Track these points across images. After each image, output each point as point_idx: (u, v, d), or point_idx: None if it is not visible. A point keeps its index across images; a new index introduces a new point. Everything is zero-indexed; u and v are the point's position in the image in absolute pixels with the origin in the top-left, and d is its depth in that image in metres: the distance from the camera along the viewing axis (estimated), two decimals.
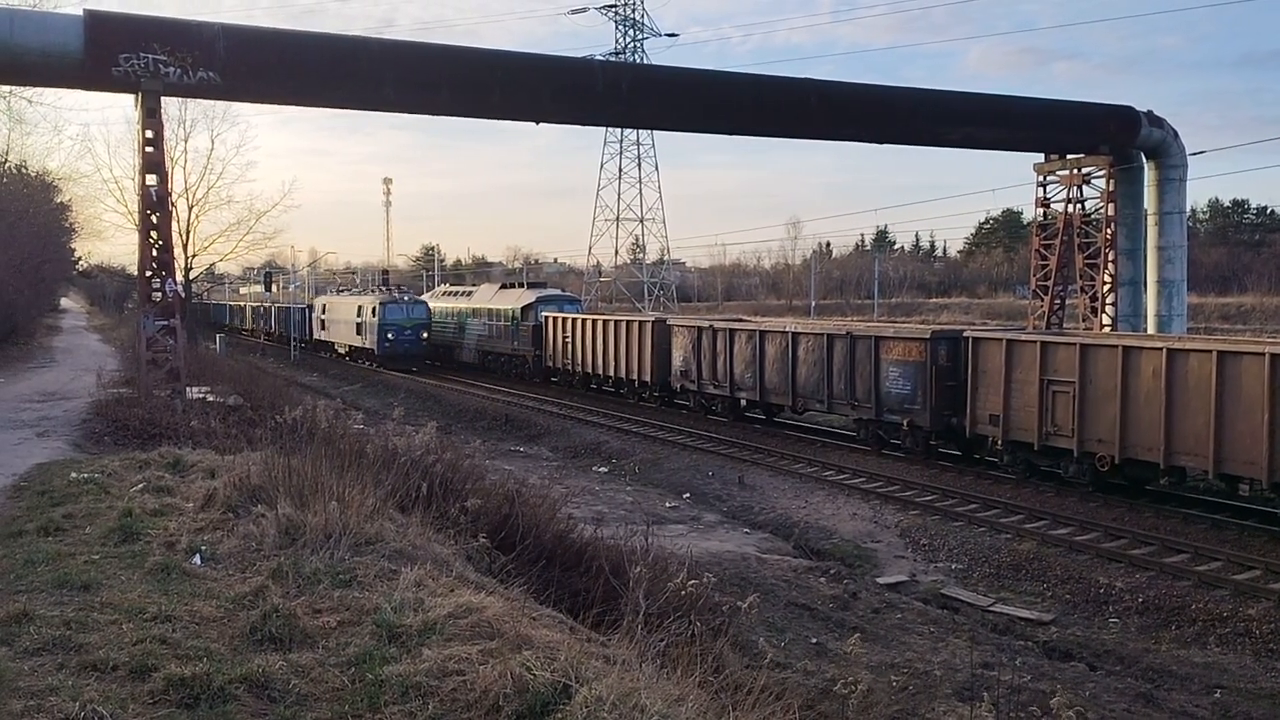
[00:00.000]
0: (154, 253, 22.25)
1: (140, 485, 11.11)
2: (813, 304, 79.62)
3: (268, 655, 5.87)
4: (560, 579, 9.28)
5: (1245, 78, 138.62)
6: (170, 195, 25.71)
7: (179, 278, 28.99)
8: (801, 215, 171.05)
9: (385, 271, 68.04)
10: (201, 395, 22.39)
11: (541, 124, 26.80)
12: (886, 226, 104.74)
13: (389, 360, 45.04)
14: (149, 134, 21.92)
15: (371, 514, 8.48)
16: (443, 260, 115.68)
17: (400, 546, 8.00)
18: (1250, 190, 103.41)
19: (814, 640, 11.21)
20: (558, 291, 45.32)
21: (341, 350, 51.24)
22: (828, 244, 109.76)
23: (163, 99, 22.36)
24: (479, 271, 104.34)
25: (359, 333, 47.99)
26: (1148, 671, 11.39)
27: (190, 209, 46.48)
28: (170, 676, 5.37)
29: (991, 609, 13.62)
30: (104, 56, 20.76)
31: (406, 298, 48.97)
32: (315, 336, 55.30)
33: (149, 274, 22.15)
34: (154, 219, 22.34)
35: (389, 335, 45.11)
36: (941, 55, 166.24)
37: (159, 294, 22.15)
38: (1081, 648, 12.17)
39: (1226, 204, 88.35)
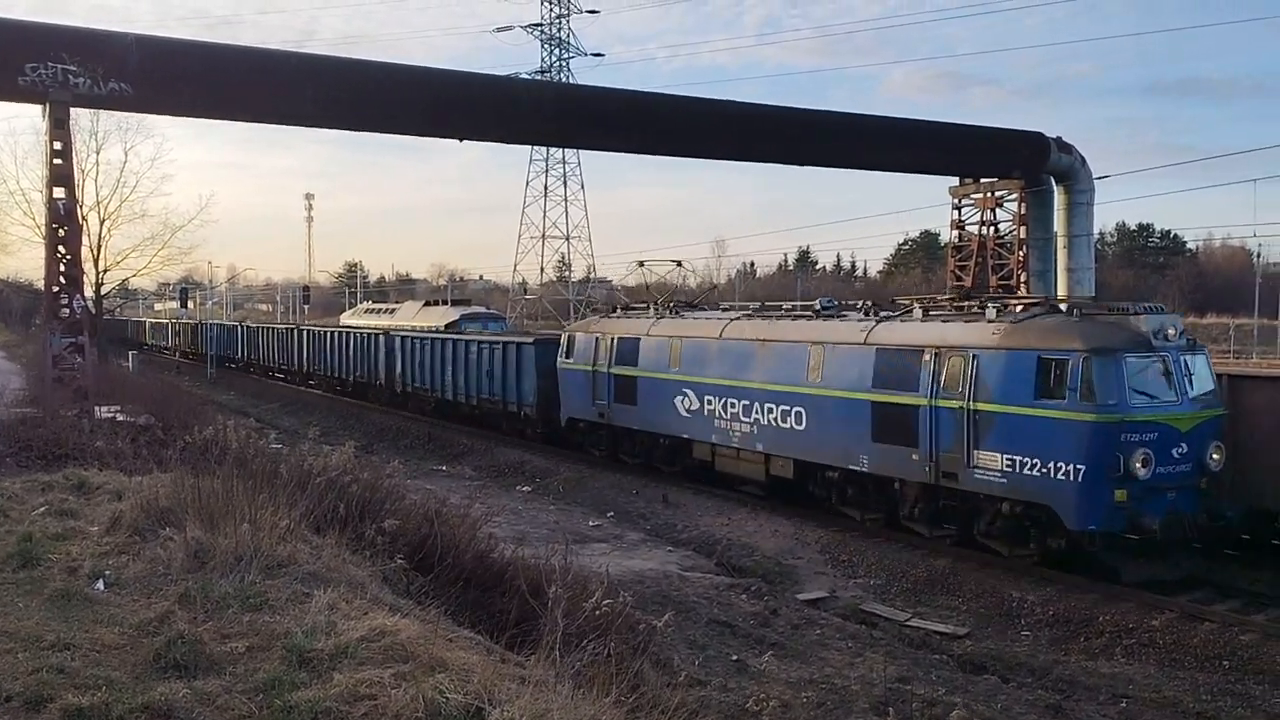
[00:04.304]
0: (62, 268, 21.61)
1: (42, 508, 10.73)
2: None
3: (171, 683, 5.71)
4: (480, 599, 9.19)
5: (1152, 105, 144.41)
6: (80, 209, 25.00)
7: (89, 293, 28.16)
8: (726, 234, 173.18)
9: (306, 288, 66.91)
10: (111, 415, 21.72)
11: (465, 141, 26.72)
12: (809, 246, 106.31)
13: None
14: (57, 145, 21.33)
15: (285, 536, 8.31)
16: (365, 277, 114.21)
17: (314, 569, 7.85)
18: (1156, 214, 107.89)
19: (734, 657, 11.26)
20: (482, 309, 45.06)
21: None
22: (752, 263, 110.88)
23: (73, 110, 21.75)
24: (403, 289, 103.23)
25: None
26: (1058, 682, 11.66)
27: (102, 223, 45.02)
28: (67, 707, 5.19)
29: (908, 623, 13.82)
30: (10, 65, 20.18)
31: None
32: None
33: (56, 290, 21.50)
34: (62, 233, 21.71)
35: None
36: (864, 78, 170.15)
37: (66, 310, 21.51)
38: (995, 660, 12.41)
39: (1133, 227, 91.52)
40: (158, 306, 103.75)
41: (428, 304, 47.83)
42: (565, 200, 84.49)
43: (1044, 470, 13.81)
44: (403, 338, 35.13)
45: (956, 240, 33.58)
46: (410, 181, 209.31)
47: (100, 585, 7.77)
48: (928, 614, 14.26)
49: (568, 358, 25.16)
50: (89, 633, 6.54)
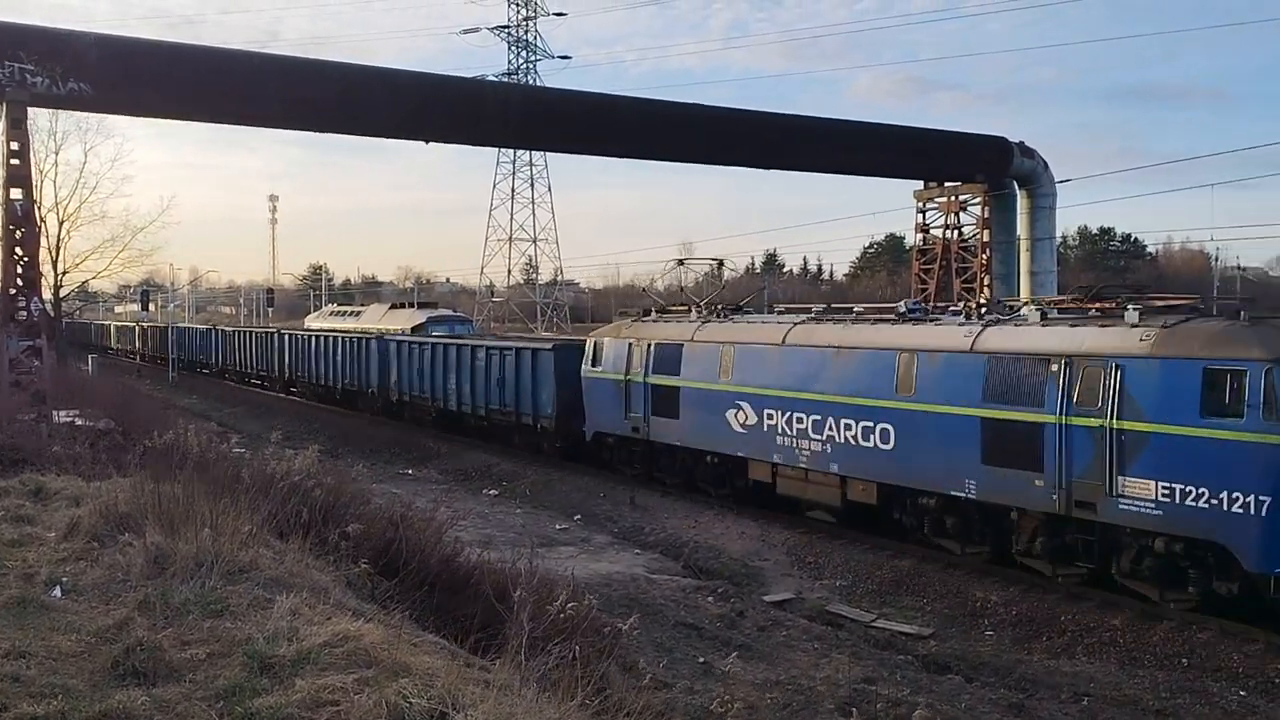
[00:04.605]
0: (19, 270, 21.29)
1: None
2: None
3: (130, 690, 5.62)
4: (445, 603, 9.12)
5: (1114, 110, 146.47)
6: (38, 210, 24.64)
7: (47, 296, 27.73)
8: (694, 237, 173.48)
9: (270, 290, 66.26)
10: (70, 419, 21.40)
11: (432, 143, 26.64)
12: (776, 249, 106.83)
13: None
14: (14, 146, 21.03)
15: (246, 541, 8.22)
16: (331, 279, 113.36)
17: (276, 574, 7.76)
18: (1117, 218, 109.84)
19: (701, 659, 11.27)
20: (449, 312, 44.87)
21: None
22: (721, 263, 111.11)
23: (31, 110, 21.44)
24: (369, 291, 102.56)
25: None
26: (1020, 681, 11.78)
27: (61, 224, 44.51)
28: (22, 716, 5.10)
29: (874, 624, 13.91)
30: None
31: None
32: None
33: (13, 292, 21.17)
34: (19, 235, 21.39)
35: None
36: (832, 82, 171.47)
37: (24, 313, 21.19)
38: (959, 660, 12.52)
39: (1095, 231, 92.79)
40: (118, 309, 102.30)
41: (394, 307, 47.42)
42: (533, 203, 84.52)
43: (1214, 501, 11.82)
44: (399, 343, 33.04)
45: (921, 243, 33.91)
46: (376, 184, 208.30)
47: (57, 592, 7.64)
48: (893, 615, 14.36)
49: (594, 366, 22.85)
50: (45, 640, 6.43)
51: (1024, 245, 31.04)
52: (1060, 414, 13.32)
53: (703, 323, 20.64)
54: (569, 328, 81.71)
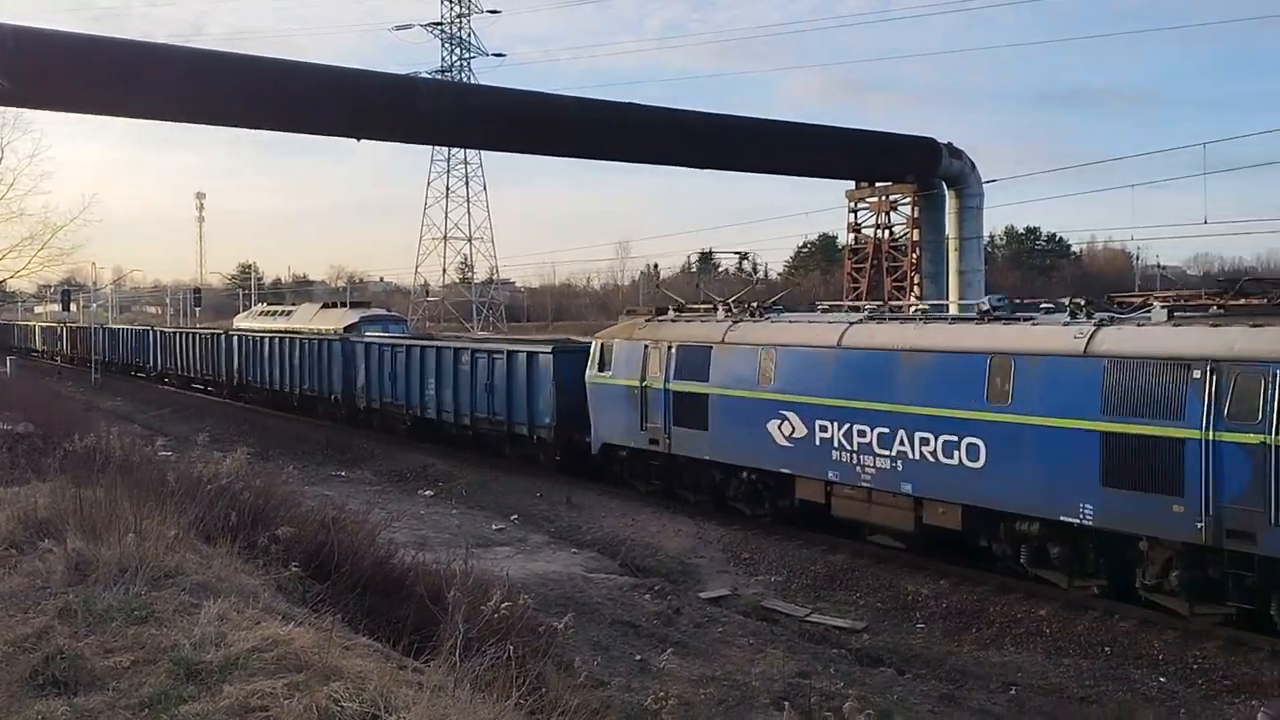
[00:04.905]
0: None
1: None
2: None
3: (50, 700, 5.48)
4: (378, 606, 9.03)
5: (1040, 113, 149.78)
6: None
7: None
8: (631, 235, 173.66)
9: (197, 290, 64.88)
10: None
11: (364, 140, 26.29)
12: (711, 249, 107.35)
13: None
14: None
15: (172, 545, 8.04)
16: (260, 279, 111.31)
17: (203, 579, 7.61)
18: (1043, 218, 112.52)
19: (638, 657, 11.31)
20: (383, 311, 44.31)
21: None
22: (656, 264, 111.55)
23: None
24: (300, 291, 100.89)
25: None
26: (951, 673, 12.01)
27: None
28: None
29: (808, 619, 14.07)
30: None
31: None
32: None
33: None
34: None
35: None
36: (765, 83, 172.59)
37: None
38: (891, 653, 12.73)
39: (1021, 231, 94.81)
40: (38, 310, 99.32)
41: (326, 306, 46.65)
42: (467, 201, 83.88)
43: None
44: (368, 345, 30.60)
45: (853, 243, 34.38)
46: (308, 181, 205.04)
47: None
48: (827, 609, 14.54)
49: (602, 371, 20.79)
50: None
51: (953, 244, 31.63)
52: (1205, 428, 11.51)
53: (734, 322, 18.46)
54: (505, 327, 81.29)
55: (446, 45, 78.80)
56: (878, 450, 15.18)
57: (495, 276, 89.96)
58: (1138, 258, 69.21)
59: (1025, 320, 14.44)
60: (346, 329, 38.09)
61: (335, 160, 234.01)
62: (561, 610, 11.02)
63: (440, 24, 78.00)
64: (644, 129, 27.35)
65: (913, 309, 16.17)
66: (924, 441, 14.55)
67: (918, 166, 31.09)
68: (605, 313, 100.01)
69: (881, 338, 15.70)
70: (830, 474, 16.04)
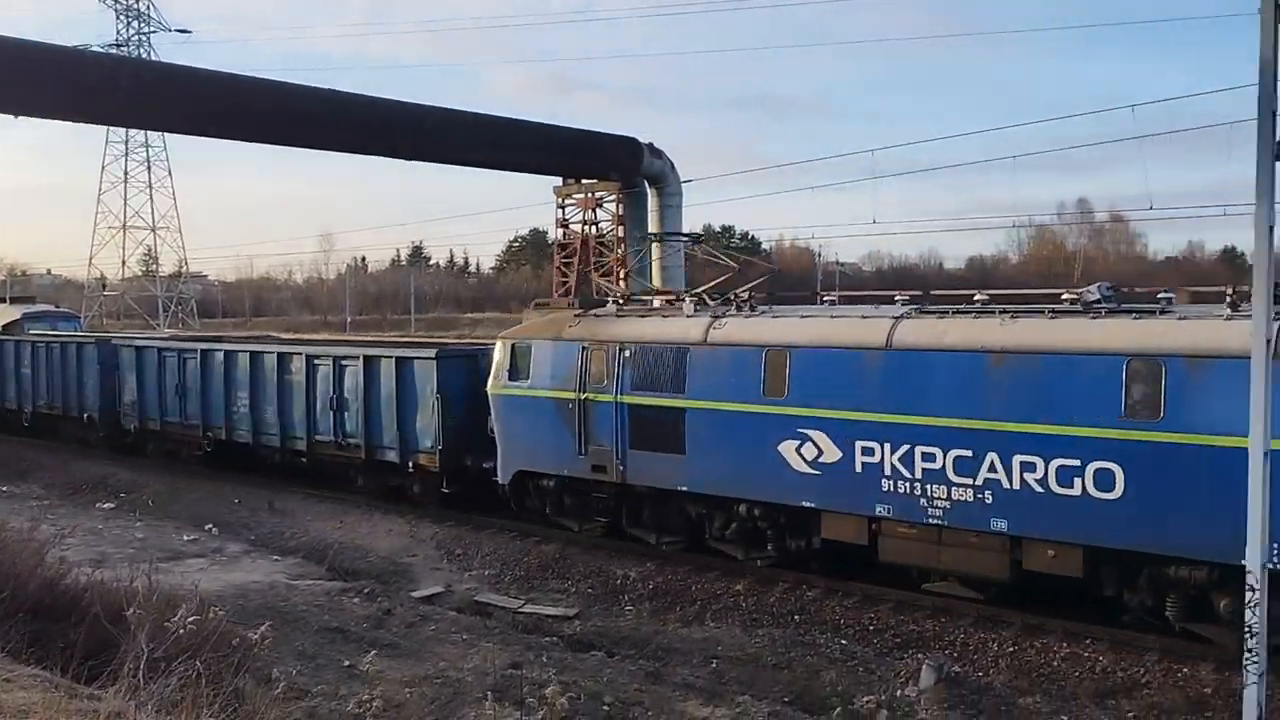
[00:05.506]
0: None
1: None
2: (348, 319, 78.14)
3: None
4: (47, 632, 8.25)
5: (732, 118, 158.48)
6: None
7: None
8: (336, 228, 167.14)
9: None
10: None
11: (22, 118, 23.60)
12: (422, 242, 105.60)
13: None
14: None
15: None
16: None
17: None
18: (737, 217, 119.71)
19: (346, 663, 10.97)
20: (49, 307, 39.96)
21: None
22: (363, 258, 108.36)
23: None
24: None
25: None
26: (657, 651, 12.56)
27: None
28: None
29: (521, 610, 14.23)
30: None
31: None
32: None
33: None
34: None
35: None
36: (473, 75, 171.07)
37: None
38: (601, 637, 13.12)
39: (718, 229, 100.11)
40: None
41: None
42: (150, 187, 77.86)
43: None
44: (142, 349, 25.12)
45: (562, 238, 34.95)
46: None
47: None
48: (540, 599, 14.76)
49: (515, 380, 16.62)
50: None
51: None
52: None
53: (716, 318, 14.76)
54: (197, 324, 76.04)
55: (122, 17, 72.55)
56: (955, 479, 12.18)
57: (184, 269, 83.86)
58: (820, 254, 75.02)
59: (1166, 314, 11.49)
60: (5, 328, 33.98)
61: None
62: (262, 622, 10.50)
63: None
64: (351, 117, 26.39)
65: (977, 297, 13.14)
66: (1027, 467, 11.70)
67: (622, 165, 32.00)
68: (309, 308, 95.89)
69: (955, 336, 12.44)
70: (879, 508, 12.83)
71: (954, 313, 12.95)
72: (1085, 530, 11.43)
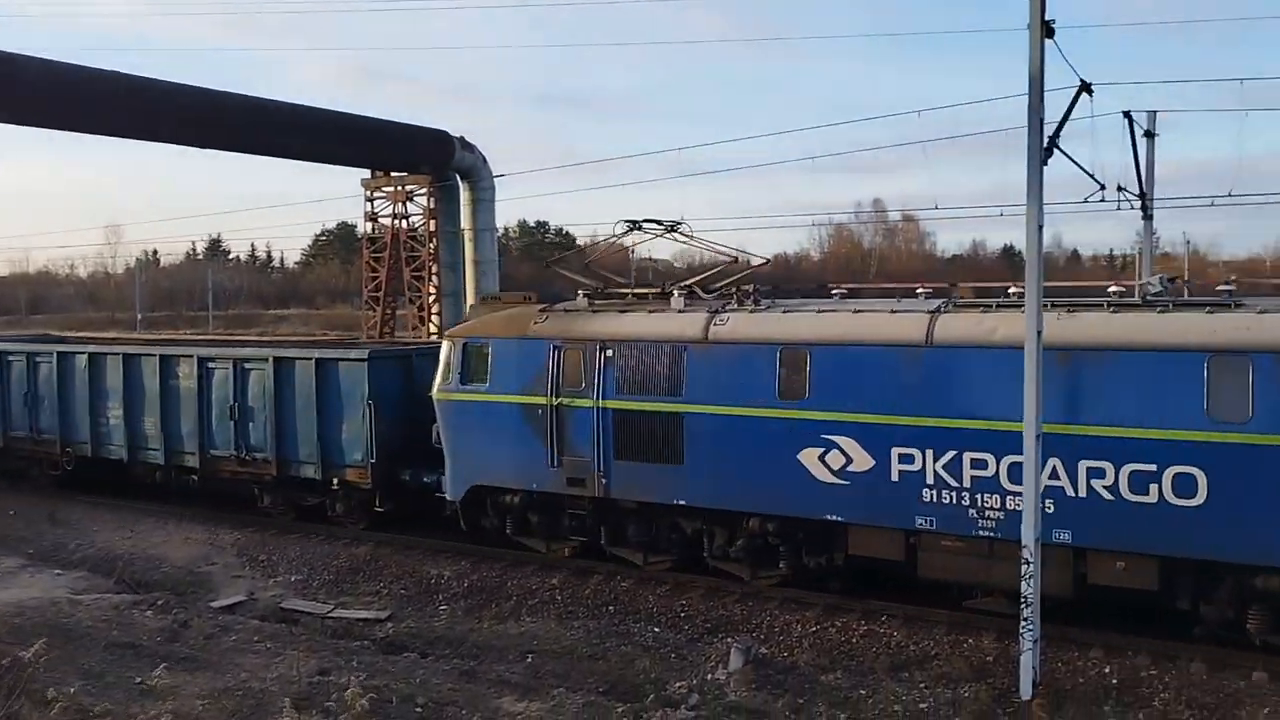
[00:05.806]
0: None
1: None
2: (139, 316, 73.49)
3: None
4: None
5: (543, 113, 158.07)
6: None
7: None
8: (124, 220, 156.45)
9: None
10: None
11: None
12: (220, 235, 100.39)
13: None
14: None
15: None
16: None
17: None
18: (551, 212, 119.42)
19: (138, 679, 10.33)
20: None
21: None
22: (155, 252, 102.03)
23: None
24: None
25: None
26: (472, 649, 12.43)
27: None
28: None
29: (330, 615, 13.79)
30: None
31: None
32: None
33: None
34: None
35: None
36: (276, 62, 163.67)
37: None
38: (415, 638, 12.87)
39: (532, 224, 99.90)
40: None
41: None
42: None
43: None
44: None
45: (371, 232, 34.05)
46: None
47: None
48: (350, 603, 14.35)
49: (468, 383, 14.79)
50: None
51: (468, 236, 32.44)
52: None
53: (716, 312, 13.43)
54: None
55: None
56: (1009, 486, 11.25)
57: None
58: (634, 251, 76.03)
59: (1242, 307, 10.88)
60: None
61: None
62: (41, 641, 9.77)
63: None
64: (136, 101, 24.78)
65: (1010, 291, 12.22)
66: (1095, 473, 10.94)
67: (432, 158, 31.42)
68: (95, 304, 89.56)
69: (1006, 331, 11.28)
70: (919, 520, 11.86)
71: (997, 306, 12.01)
72: (1162, 540, 10.71)
